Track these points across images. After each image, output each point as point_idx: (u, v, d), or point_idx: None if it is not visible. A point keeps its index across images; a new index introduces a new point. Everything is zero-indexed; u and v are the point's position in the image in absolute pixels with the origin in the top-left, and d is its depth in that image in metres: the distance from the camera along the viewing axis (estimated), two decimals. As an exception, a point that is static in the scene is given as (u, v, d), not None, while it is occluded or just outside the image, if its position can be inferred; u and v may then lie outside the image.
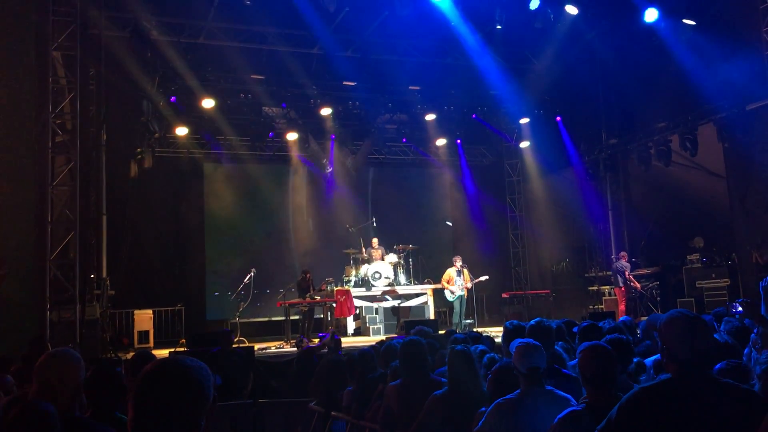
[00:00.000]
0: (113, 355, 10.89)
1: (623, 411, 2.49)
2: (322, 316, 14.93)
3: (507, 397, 3.88)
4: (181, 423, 1.69)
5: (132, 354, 7.59)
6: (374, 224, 17.00)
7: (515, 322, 5.63)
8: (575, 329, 6.05)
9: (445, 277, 14.87)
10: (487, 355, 5.00)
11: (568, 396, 3.81)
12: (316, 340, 11.35)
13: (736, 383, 2.55)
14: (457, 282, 14.69)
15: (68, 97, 11.05)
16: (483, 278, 14.91)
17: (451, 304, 15.12)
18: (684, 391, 2.43)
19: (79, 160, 10.87)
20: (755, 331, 4.87)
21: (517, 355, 3.93)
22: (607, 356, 3.39)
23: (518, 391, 3.89)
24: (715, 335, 5.96)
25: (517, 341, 4.09)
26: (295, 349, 11.96)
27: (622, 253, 15.32)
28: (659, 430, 2.40)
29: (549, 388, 3.90)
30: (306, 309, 14.02)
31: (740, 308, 6.68)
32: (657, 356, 4.47)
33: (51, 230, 10.46)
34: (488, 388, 4.21)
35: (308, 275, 14.41)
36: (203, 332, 12.23)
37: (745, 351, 4.84)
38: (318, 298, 14.20)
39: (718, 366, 3.46)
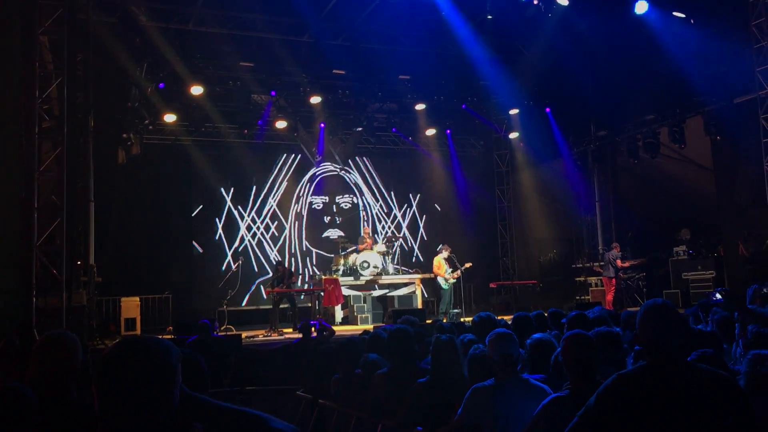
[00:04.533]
0: (99, 343, 10.85)
1: (601, 398, 2.54)
2: (310, 305, 14.94)
3: (483, 383, 3.97)
4: (150, 401, 1.67)
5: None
6: (361, 214, 17.02)
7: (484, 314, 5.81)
8: (563, 320, 6.11)
9: (436, 264, 14.89)
10: (474, 345, 5.02)
11: (544, 386, 3.87)
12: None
13: (711, 368, 2.60)
14: (447, 270, 14.73)
15: (55, 83, 10.92)
16: (467, 265, 14.88)
17: (439, 294, 15.15)
18: (660, 376, 2.49)
19: (66, 146, 10.77)
20: (737, 323, 4.94)
21: (489, 343, 4.05)
22: (588, 344, 3.47)
23: (493, 379, 3.98)
24: (699, 325, 6.04)
25: (492, 332, 4.18)
26: (282, 337, 12.00)
27: (614, 244, 15.41)
28: (636, 415, 2.45)
29: (525, 376, 4.00)
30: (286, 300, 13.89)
31: (719, 296, 6.76)
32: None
33: (37, 217, 10.36)
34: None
35: (280, 268, 14.26)
36: (190, 320, 12.18)
37: (735, 344, 4.89)
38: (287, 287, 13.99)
39: (691, 357, 3.53)
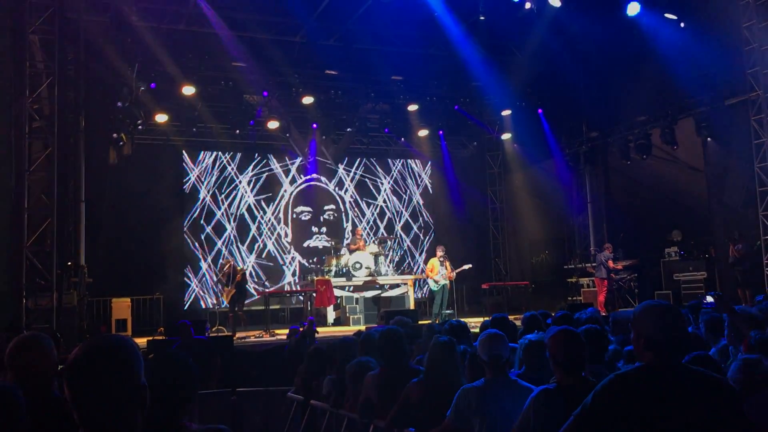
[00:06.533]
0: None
1: (598, 397, 2.53)
2: (302, 306, 14.91)
3: (473, 384, 3.99)
4: (122, 397, 1.73)
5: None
6: (351, 215, 17.00)
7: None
8: (549, 320, 6.14)
9: (429, 266, 14.87)
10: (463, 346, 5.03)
11: (532, 387, 3.89)
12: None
13: (707, 371, 2.61)
14: (440, 272, 14.69)
15: (46, 82, 10.88)
16: (466, 267, 14.86)
17: (432, 295, 15.14)
18: (657, 378, 2.48)
19: (56, 146, 10.72)
20: (725, 323, 4.96)
21: (480, 344, 4.06)
22: (575, 340, 3.50)
23: (483, 379, 4.00)
24: (689, 327, 6.06)
25: (483, 333, 4.19)
26: (274, 338, 11.97)
27: (606, 245, 15.42)
28: (633, 417, 2.44)
29: (514, 377, 4.02)
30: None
31: (711, 300, 6.79)
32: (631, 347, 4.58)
33: (28, 217, 10.32)
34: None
35: (227, 266, 14.11)
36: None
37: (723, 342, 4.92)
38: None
39: (686, 359, 3.54)
